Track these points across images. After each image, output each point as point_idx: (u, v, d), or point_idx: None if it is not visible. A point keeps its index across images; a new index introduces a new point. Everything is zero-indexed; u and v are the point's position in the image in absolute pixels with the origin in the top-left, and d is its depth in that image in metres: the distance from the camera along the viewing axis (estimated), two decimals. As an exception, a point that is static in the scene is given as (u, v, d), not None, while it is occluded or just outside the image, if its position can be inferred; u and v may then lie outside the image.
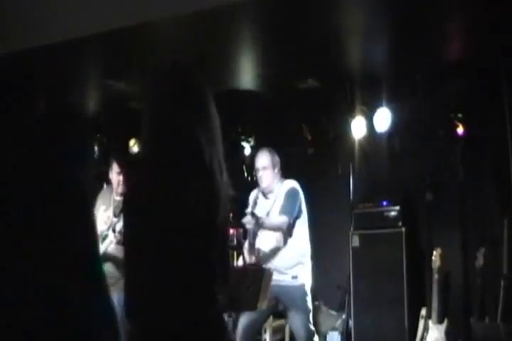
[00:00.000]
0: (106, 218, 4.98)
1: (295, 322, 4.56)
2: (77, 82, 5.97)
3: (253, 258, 4.56)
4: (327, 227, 6.27)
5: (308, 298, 4.61)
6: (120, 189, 4.98)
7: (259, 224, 4.46)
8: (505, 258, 5.11)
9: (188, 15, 4.56)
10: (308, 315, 4.58)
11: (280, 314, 5.06)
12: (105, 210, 5.03)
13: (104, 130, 7.18)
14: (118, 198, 5.02)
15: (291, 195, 4.69)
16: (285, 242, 4.64)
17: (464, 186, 5.69)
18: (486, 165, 5.76)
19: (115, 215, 4.96)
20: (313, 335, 4.61)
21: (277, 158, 4.77)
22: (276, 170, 4.72)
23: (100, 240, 4.92)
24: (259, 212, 4.63)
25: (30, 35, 4.80)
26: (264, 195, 4.75)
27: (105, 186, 5.21)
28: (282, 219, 4.59)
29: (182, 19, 4.65)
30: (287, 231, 4.63)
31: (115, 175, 5.03)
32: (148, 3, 4.56)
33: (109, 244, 4.85)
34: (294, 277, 4.61)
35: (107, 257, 4.87)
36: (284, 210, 4.58)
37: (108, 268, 4.87)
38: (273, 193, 4.74)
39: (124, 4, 4.57)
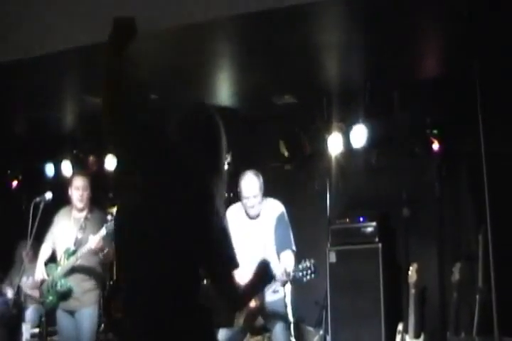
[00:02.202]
0: (69, 235, 4.99)
1: (278, 336, 4.52)
2: (53, 96, 5.95)
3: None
4: (304, 243, 6.25)
5: (289, 311, 4.58)
6: (79, 204, 5.02)
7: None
8: (481, 273, 5.15)
9: (166, 31, 4.58)
10: (290, 328, 4.55)
11: (258, 330, 5.03)
12: (67, 228, 5.05)
13: (81, 146, 7.16)
14: (78, 215, 5.07)
15: (284, 222, 4.63)
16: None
17: (439, 202, 5.73)
18: (462, 181, 5.82)
19: (79, 233, 4.98)
20: None
21: (262, 180, 4.66)
22: (261, 194, 4.62)
23: (65, 256, 4.93)
24: (244, 234, 4.57)
25: (4, 49, 4.79)
26: (247, 213, 4.68)
27: (63, 208, 5.22)
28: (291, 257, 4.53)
29: (159, 35, 4.66)
30: None
31: (75, 190, 5.03)
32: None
33: (78, 258, 4.85)
34: (276, 291, 4.58)
35: (76, 270, 4.91)
36: (296, 275, 4.40)
37: (74, 281, 4.86)
38: (256, 212, 4.64)
39: (102, 18, 4.56)
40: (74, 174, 5.38)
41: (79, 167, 7.02)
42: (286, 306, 4.56)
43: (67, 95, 6.11)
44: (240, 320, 4.43)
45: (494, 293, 4.99)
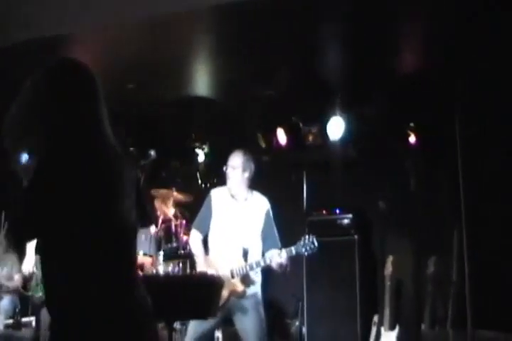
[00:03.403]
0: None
1: (248, 329, 4.52)
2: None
3: (206, 267, 4.52)
4: (280, 235, 6.29)
5: (261, 306, 4.60)
6: None
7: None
8: (455, 266, 5.21)
9: (145, 23, 4.55)
10: (262, 327, 4.55)
11: (233, 321, 5.03)
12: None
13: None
14: None
15: (272, 220, 4.67)
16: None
17: (415, 195, 5.78)
18: (438, 175, 5.87)
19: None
20: None
21: (251, 165, 4.65)
22: (245, 175, 4.60)
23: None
24: (230, 215, 4.58)
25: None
26: (233, 196, 4.71)
27: None
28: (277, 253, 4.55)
29: (139, 26, 4.63)
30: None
31: None
32: (103, 8, 4.51)
33: None
34: (253, 283, 4.59)
35: None
36: (298, 250, 4.47)
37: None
38: (241, 197, 4.67)
39: (83, 9, 4.52)
40: None
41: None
42: (259, 301, 4.57)
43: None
44: (214, 313, 4.43)
45: (468, 286, 5.06)
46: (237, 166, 4.60)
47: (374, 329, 5.42)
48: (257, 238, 4.62)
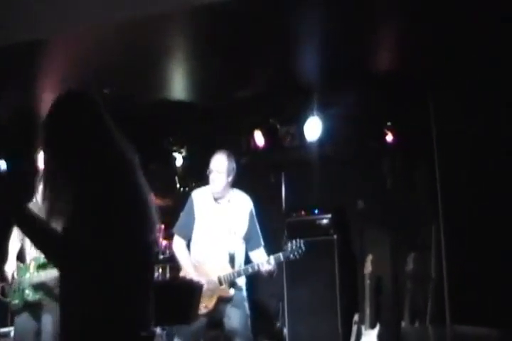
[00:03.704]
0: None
1: (234, 327, 4.51)
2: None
3: (188, 271, 4.50)
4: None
5: (247, 304, 4.60)
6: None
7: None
8: (433, 263, 5.25)
9: (121, 25, 4.53)
10: (248, 321, 4.56)
11: (215, 324, 5.02)
12: None
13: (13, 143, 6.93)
14: None
15: (255, 219, 4.69)
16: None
17: (393, 193, 5.82)
18: (415, 173, 5.91)
19: None
20: None
21: (234, 166, 4.66)
22: (230, 178, 4.61)
23: (35, 265, 4.71)
24: (214, 218, 4.57)
25: None
26: (215, 198, 4.68)
27: (34, 200, 4.85)
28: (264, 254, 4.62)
29: (115, 29, 4.61)
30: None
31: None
32: (79, 11, 4.50)
33: (47, 279, 4.59)
34: (239, 289, 4.59)
35: (45, 287, 4.66)
36: (286, 256, 4.53)
37: (43, 293, 4.71)
38: (224, 199, 4.66)
39: (57, 12, 4.50)
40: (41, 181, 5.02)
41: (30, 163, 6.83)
42: (244, 299, 4.58)
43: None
44: (195, 317, 4.42)
45: (446, 282, 5.11)
46: (222, 170, 4.58)
47: (355, 328, 5.44)
48: (241, 240, 4.62)
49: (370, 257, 5.58)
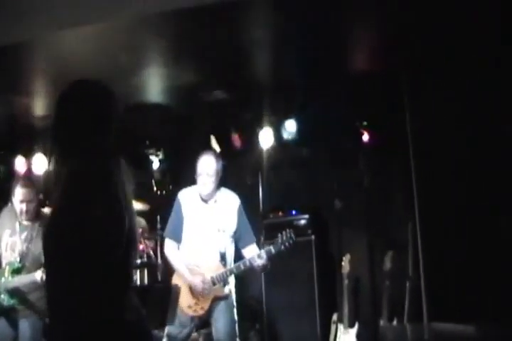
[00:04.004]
0: (13, 243, 4.71)
1: (220, 330, 4.48)
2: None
3: (192, 279, 4.48)
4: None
5: (234, 308, 4.58)
6: (25, 216, 4.72)
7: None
8: (410, 261, 5.29)
9: (94, 28, 4.51)
10: (235, 328, 4.53)
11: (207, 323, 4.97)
12: (11, 235, 4.75)
13: (6, 147, 6.93)
14: (25, 222, 4.77)
15: (245, 216, 4.67)
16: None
17: (370, 193, 5.85)
18: (391, 172, 5.95)
19: (27, 243, 4.71)
20: None
21: (221, 165, 4.65)
22: (218, 179, 4.60)
23: (10, 269, 4.65)
24: (202, 219, 4.54)
25: None
26: (203, 198, 4.62)
27: (9, 204, 4.87)
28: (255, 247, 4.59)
29: (87, 31, 4.59)
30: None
31: (18, 202, 4.72)
32: (56, 14, 4.47)
33: (20, 284, 4.57)
34: (226, 284, 4.58)
35: (19, 292, 4.62)
36: (277, 248, 4.48)
37: (18, 298, 4.66)
38: (212, 199, 4.62)
39: (36, 14, 4.47)
40: (17, 185, 4.83)
41: (6, 167, 6.80)
42: (233, 306, 4.56)
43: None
44: (184, 317, 4.42)
45: (423, 280, 5.15)
46: (211, 173, 4.55)
47: (334, 328, 5.47)
48: (231, 238, 4.59)
49: (347, 257, 5.61)
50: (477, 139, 5.24)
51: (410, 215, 5.44)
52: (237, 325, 4.53)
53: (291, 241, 4.45)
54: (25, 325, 4.61)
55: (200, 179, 4.59)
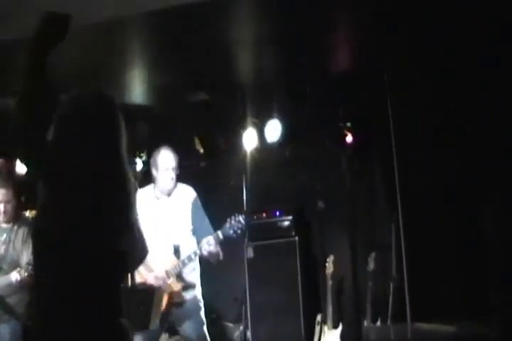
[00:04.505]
0: None
1: (190, 334, 4.46)
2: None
3: (147, 276, 4.43)
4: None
5: (202, 311, 4.55)
6: (3, 218, 4.67)
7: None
8: (394, 262, 5.30)
9: (75, 29, 4.47)
10: (203, 330, 4.51)
11: (175, 330, 4.96)
12: None
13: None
14: (3, 225, 4.72)
15: (200, 208, 4.61)
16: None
17: (353, 193, 5.85)
18: (374, 173, 5.96)
19: (5, 246, 4.66)
20: None
21: (177, 160, 4.63)
22: (176, 173, 4.56)
23: None
24: (154, 214, 4.47)
25: None
26: (157, 197, 4.57)
27: None
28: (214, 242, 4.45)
29: (71, 35, 4.55)
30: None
31: None
32: (35, 16, 4.42)
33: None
34: (189, 286, 4.54)
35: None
36: (225, 232, 4.40)
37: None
38: (166, 194, 4.57)
39: (9, 16, 4.42)
40: None
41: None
42: (198, 305, 4.52)
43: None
44: (154, 323, 4.36)
45: (406, 281, 5.15)
46: (170, 167, 4.52)
47: (318, 329, 5.46)
48: (187, 232, 4.53)
49: (331, 257, 5.61)
50: (462, 140, 5.26)
51: (393, 216, 5.44)
52: (205, 326, 4.49)
53: (240, 226, 4.37)
54: (4, 331, 4.54)
55: (159, 174, 4.54)
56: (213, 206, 6.21)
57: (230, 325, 6.15)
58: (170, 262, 4.40)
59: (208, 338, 4.52)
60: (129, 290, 3.65)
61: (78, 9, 4.33)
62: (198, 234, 4.54)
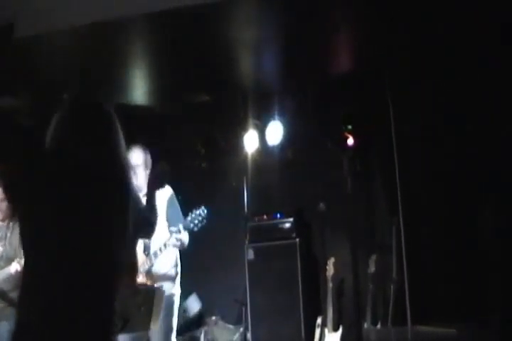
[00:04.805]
0: None
1: (160, 326, 4.37)
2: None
3: (145, 277, 4.41)
4: (222, 241, 6.28)
5: (176, 304, 4.51)
6: (0, 215, 4.68)
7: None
8: (394, 264, 5.29)
9: (76, 30, 4.48)
10: (172, 320, 4.44)
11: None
12: None
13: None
14: (0, 223, 4.73)
15: (175, 205, 4.56)
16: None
17: (354, 196, 5.84)
18: (375, 175, 5.95)
19: (2, 243, 4.67)
20: None
21: (150, 159, 4.56)
22: (147, 171, 4.44)
23: None
24: None
25: None
26: None
27: None
28: (186, 236, 4.44)
29: (70, 33, 4.56)
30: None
31: None
32: (38, 16, 4.43)
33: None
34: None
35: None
36: (186, 225, 4.33)
37: None
38: (141, 194, 4.53)
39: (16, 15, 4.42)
40: None
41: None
42: (173, 297, 4.50)
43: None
44: (156, 324, 4.32)
45: (407, 283, 5.14)
46: (139, 164, 4.46)
47: (318, 331, 5.44)
48: (161, 229, 4.44)
49: (332, 260, 5.60)
50: (463, 142, 5.25)
51: (394, 218, 5.43)
52: (174, 319, 4.45)
53: (200, 218, 4.30)
54: (4, 328, 4.53)
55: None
56: (214, 207, 6.25)
57: (230, 326, 6.14)
58: (140, 260, 4.33)
59: (175, 331, 4.48)
60: (131, 291, 3.64)
61: (81, 9, 4.36)
62: (170, 224, 4.47)
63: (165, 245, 4.35)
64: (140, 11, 4.36)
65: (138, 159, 4.49)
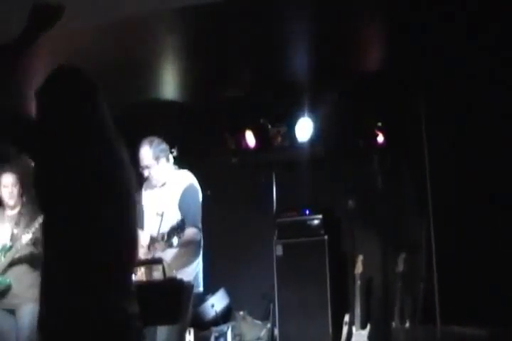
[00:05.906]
0: (4, 232, 4.76)
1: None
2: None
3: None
4: (251, 237, 6.30)
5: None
6: (10, 202, 4.80)
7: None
8: (424, 263, 5.26)
9: (111, 24, 4.51)
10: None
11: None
12: (0, 226, 4.81)
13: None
14: (11, 212, 4.84)
15: (193, 196, 4.29)
16: (197, 254, 4.32)
17: (383, 194, 5.82)
18: (405, 174, 5.91)
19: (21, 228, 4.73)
20: None
21: (162, 147, 4.35)
22: (162, 162, 4.30)
23: (2, 253, 4.70)
24: (149, 204, 4.33)
25: None
26: (151, 185, 4.38)
27: None
28: (192, 232, 4.16)
29: (103, 28, 4.59)
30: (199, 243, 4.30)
31: (3, 188, 4.80)
32: (68, 10, 4.46)
33: (18, 251, 4.63)
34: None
35: (15, 263, 4.67)
36: (193, 221, 4.14)
37: (13, 276, 4.67)
38: (160, 183, 4.34)
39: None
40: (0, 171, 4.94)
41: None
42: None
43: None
44: (186, 317, 4.29)
45: (436, 283, 5.11)
46: (150, 164, 4.28)
47: (345, 329, 5.44)
48: (170, 220, 4.18)
49: (360, 257, 5.58)
50: (492, 141, 5.20)
51: (424, 216, 5.40)
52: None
53: (178, 231, 4.04)
54: (24, 312, 4.59)
55: (144, 171, 4.33)
56: (243, 203, 6.27)
57: (258, 322, 6.16)
58: (144, 255, 4.11)
59: None
60: (157, 285, 3.65)
61: (112, 4, 4.39)
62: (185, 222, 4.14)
63: (168, 235, 4.07)
64: (176, 4, 4.37)
65: (145, 160, 4.29)
